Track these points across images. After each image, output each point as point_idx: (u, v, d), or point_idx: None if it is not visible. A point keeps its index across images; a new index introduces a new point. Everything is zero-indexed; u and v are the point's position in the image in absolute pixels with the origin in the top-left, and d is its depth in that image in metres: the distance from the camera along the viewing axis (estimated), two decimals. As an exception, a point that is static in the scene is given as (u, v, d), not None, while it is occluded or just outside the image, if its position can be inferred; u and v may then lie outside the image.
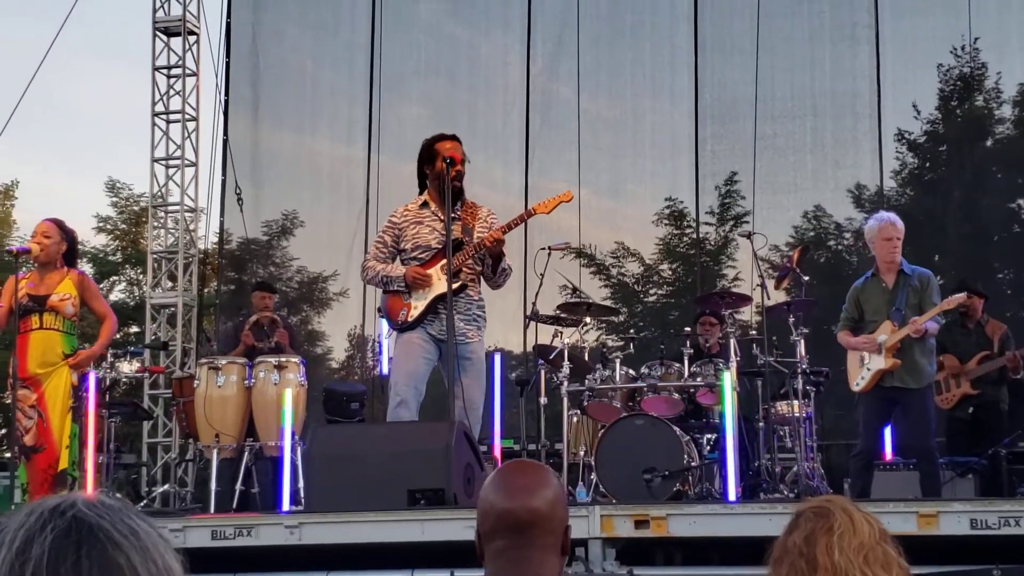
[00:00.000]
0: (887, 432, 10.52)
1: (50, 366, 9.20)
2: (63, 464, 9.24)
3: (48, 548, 1.44)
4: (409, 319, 8.68)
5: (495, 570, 3.19)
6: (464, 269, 8.67)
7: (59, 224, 9.48)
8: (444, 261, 8.49)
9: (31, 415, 9.17)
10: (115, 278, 30.28)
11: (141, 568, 1.49)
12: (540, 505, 3.16)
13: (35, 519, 1.48)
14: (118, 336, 27.73)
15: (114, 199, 30.08)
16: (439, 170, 8.63)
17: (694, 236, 16.78)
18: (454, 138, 8.88)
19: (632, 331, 14.83)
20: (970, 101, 16.09)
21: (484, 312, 8.94)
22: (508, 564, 3.17)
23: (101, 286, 29.39)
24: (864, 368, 9.47)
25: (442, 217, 8.64)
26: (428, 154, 8.82)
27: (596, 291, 16.52)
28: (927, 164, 16.68)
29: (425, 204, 8.85)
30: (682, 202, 16.65)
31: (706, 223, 16.71)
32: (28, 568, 1.43)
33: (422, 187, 8.96)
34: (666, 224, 17.23)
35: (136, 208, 29.29)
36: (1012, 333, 11.64)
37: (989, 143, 16.19)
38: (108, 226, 29.92)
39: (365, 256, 9.06)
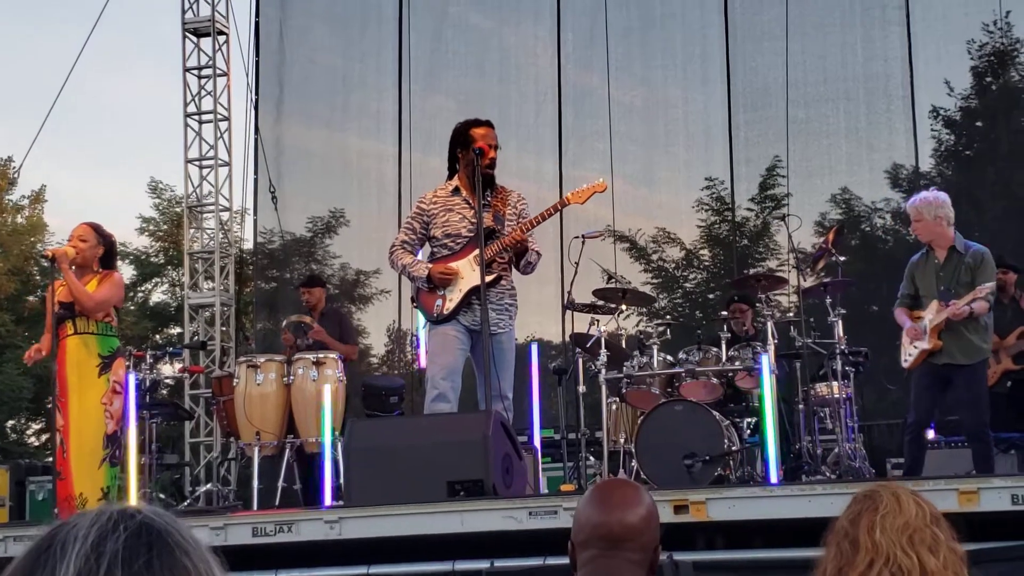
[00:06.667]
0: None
1: (85, 373, 9.15)
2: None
3: (121, 546, 1.52)
4: (445, 311, 8.68)
5: None
6: (497, 260, 8.66)
7: (96, 228, 9.40)
8: (476, 251, 8.48)
9: (58, 439, 9.17)
10: (157, 280, 30.41)
11: (205, 575, 1.56)
12: (633, 521, 3.37)
13: (106, 519, 1.55)
14: (158, 338, 27.96)
15: (156, 200, 30.22)
16: (472, 157, 8.62)
17: (733, 221, 16.78)
18: (488, 124, 8.85)
19: (669, 316, 14.76)
20: (1004, 76, 16.01)
21: (516, 300, 8.93)
22: (598, 573, 3.35)
23: (143, 287, 29.58)
24: (912, 346, 9.40)
25: (473, 204, 8.63)
26: (462, 139, 8.78)
27: (636, 276, 16.55)
28: (962, 140, 16.61)
29: (456, 190, 8.84)
30: (722, 183, 16.64)
31: (747, 208, 16.73)
32: (103, 562, 1.50)
33: (452, 171, 8.96)
34: (705, 209, 17.25)
35: (178, 209, 29.45)
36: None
37: (1024, 118, 16.13)
38: (151, 227, 30.05)
39: (394, 240, 9.03)
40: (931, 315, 9.24)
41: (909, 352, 9.41)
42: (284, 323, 12.49)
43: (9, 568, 1.53)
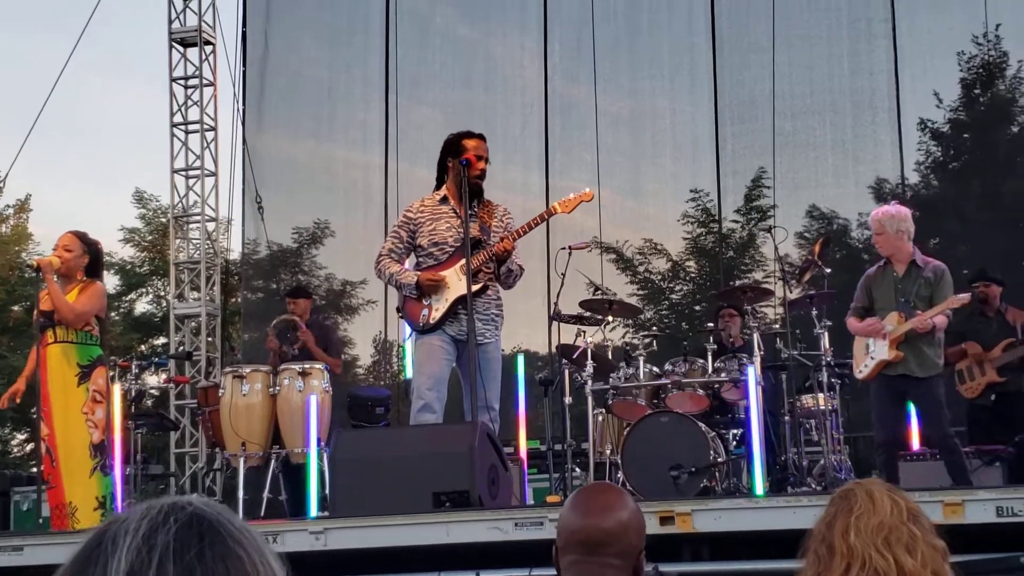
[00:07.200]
0: (914, 421, 10.46)
1: (65, 383, 9.09)
2: (85, 521, 8.85)
3: (173, 538, 1.51)
4: (431, 321, 8.67)
5: None
6: (483, 269, 8.66)
7: (81, 236, 9.33)
8: (462, 261, 8.48)
9: (43, 448, 9.13)
10: (142, 290, 30.31)
11: (259, 564, 1.55)
12: (611, 526, 3.32)
13: (156, 511, 1.55)
14: (143, 348, 27.87)
15: (142, 211, 30.15)
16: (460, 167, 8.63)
17: (719, 232, 16.82)
18: (481, 137, 8.89)
19: (655, 328, 14.76)
20: (992, 88, 16.07)
21: (502, 310, 8.92)
22: None
23: (128, 298, 29.49)
24: (868, 357, 9.42)
25: (460, 214, 8.63)
26: (454, 149, 8.81)
27: (622, 288, 16.56)
28: (950, 152, 16.66)
29: (444, 199, 8.84)
30: (708, 194, 16.68)
31: (732, 220, 16.77)
32: (155, 554, 1.49)
33: (440, 181, 8.96)
34: (691, 221, 17.30)
35: (164, 220, 29.33)
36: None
37: (1015, 129, 16.16)
38: (135, 238, 29.98)
39: (380, 250, 9.01)
40: (891, 326, 9.26)
41: (865, 363, 9.43)
42: (273, 324, 12.45)
43: (62, 568, 1.53)
